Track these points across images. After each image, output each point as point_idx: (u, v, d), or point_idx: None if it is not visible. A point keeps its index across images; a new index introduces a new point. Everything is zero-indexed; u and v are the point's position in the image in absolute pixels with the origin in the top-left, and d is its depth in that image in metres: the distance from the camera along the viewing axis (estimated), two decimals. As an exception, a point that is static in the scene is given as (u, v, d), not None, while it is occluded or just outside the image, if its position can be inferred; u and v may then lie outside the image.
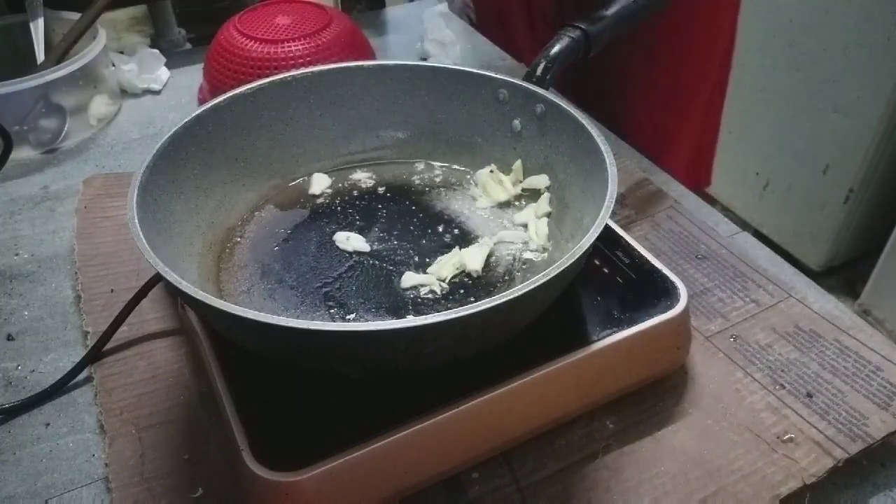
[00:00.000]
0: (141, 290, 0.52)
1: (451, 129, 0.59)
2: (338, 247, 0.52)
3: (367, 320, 0.46)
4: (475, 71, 0.56)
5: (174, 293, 0.54)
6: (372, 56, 0.80)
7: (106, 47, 0.79)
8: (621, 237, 0.53)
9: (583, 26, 0.55)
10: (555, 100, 0.52)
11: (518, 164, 0.56)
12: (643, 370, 0.48)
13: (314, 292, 0.48)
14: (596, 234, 0.39)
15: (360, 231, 0.53)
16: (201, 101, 0.82)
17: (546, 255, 0.51)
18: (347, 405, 0.42)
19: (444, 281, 0.49)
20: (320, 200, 0.57)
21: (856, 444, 0.45)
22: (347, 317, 0.46)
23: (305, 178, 0.58)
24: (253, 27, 0.75)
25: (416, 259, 0.51)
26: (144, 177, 0.44)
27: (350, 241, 0.52)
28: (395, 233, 0.53)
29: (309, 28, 0.75)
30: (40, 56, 0.78)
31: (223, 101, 0.53)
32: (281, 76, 0.55)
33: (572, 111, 0.50)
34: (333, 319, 0.46)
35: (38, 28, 0.79)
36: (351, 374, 0.42)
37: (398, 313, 0.46)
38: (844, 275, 1.68)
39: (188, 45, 1.06)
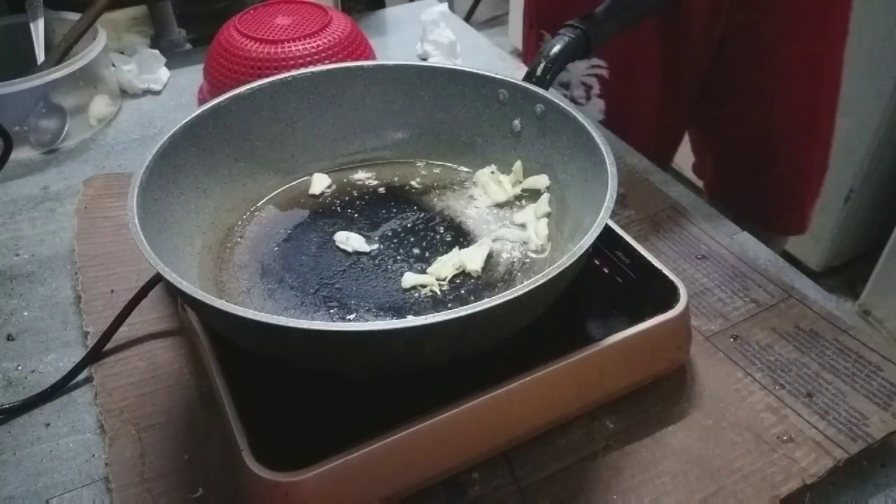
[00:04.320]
0: (141, 290, 0.52)
1: (451, 129, 0.59)
2: (338, 247, 0.52)
3: (367, 320, 0.46)
4: (475, 71, 0.56)
5: (174, 293, 0.54)
6: (372, 56, 0.80)
7: (106, 47, 0.79)
8: (621, 237, 0.53)
9: (582, 26, 0.55)
10: (555, 100, 0.52)
11: (518, 164, 0.56)
12: (643, 370, 0.48)
13: (314, 292, 0.48)
14: (596, 235, 0.39)
15: (360, 231, 0.53)
16: (201, 101, 0.82)
17: (546, 255, 0.51)
18: (347, 405, 0.42)
19: (444, 281, 0.49)
20: (320, 200, 0.57)
21: (856, 444, 0.45)
22: (347, 317, 0.46)
23: (305, 178, 0.58)
24: (253, 27, 0.75)
25: (416, 259, 0.51)
26: (144, 177, 0.44)
27: (350, 241, 0.52)
28: (394, 233, 0.53)
29: (309, 28, 0.75)
30: (40, 56, 0.78)
31: (223, 101, 0.53)
32: (281, 76, 0.55)
33: (572, 111, 0.50)
34: (333, 319, 0.46)
35: (38, 28, 0.79)
36: (351, 374, 0.42)
37: (398, 313, 0.46)
38: (844, 275, 1.68)
39: (188, 46, 1.06)
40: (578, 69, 0.88)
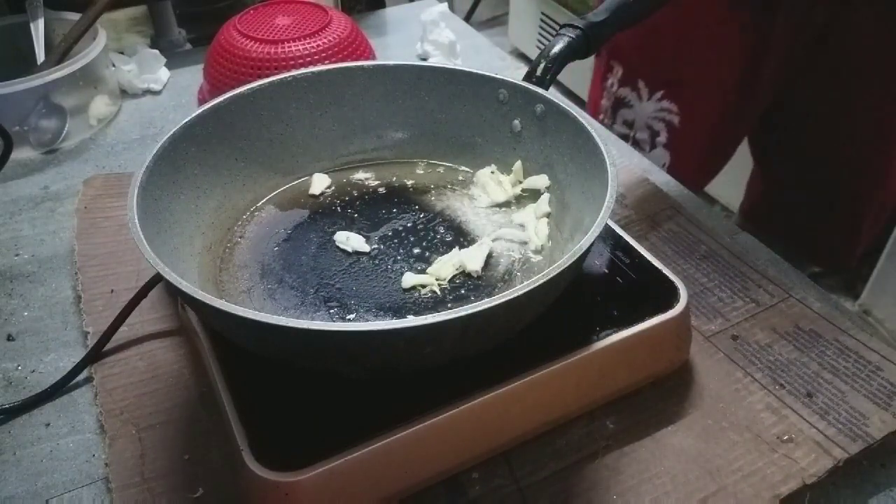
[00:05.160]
0: (141, 290, 0.52)
1: (451, 130, 0.59)
2: (338, 247, 0.52)
3: (367, 320, 0.46)
4: (475, 71, 0.56)
5: (174, 293, 0.54)
6: (372, 56, 0.80)
7: (106, 48, 0.79)
8: (621, 237, 0.53)
9: (581, 26, 0.55)
10: (555, 100, 0.52)
11: (518, 164, 0.56)
12: (643, 370, 0.48)
13: (314, 292, 0.48)
14: (595, 235, 0.39)
15: (360, 231, 0.53)
16: (201, 101, 0.82)
17: (546, 255, 0.51)
18: (347, 405, 0.42)
19: (443, 281, 0.49)
20: (320, 200, 0.57)
21: (856, 444, 0.45)
22: (347, 317, 0.46)
23: (305, 178, 0.58)
24: (253, 27, 0.75)
25: (416, 259, 0.51)
26: (144, 177, 0.44)
27: (350, 241, 0.52)
28: (394, 233, 0.53)
29: (309, 28, 0.75)
30: (41, 56, 0.78)
31: (223, 101, 0.53)
32: (281, 76, 0.55)
33: (572, 111, 0.50)
34: (333, 319, 0.46)
35: (38, 28, 0.79)
36: (351, 374, 0.42)
37: (398, 313, 0.46)
38: (844, 275, 1.68)
39: (188, 46, 1.06)
40: (646, 109, 0.84)
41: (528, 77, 0.54)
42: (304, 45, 0.73)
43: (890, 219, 0.97)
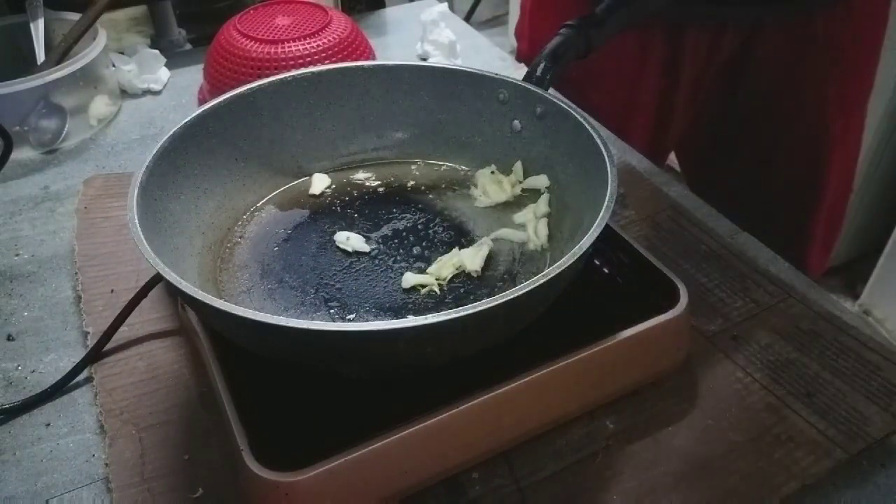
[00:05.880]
0: (141, 290, 0.52)
1: (451, 129, 0.59)
2: (338, 247, 0.52)
3: (367, 320, 0.46)
4: (475, 71, 0.56)
5: (174, 293, 0.54)
6: (372, 56, 0.80)
7: (106, 48, 0.79)
8: (621, 237, 0.53)
9: (581, 26, 0.55)
10: (555, 100, 0.52)
11: (518, 165, 0.56)
12: (643, 370, 0.48)
13: (314, 292, 0.48)
14: (596, 235, 0.39)
15: (360, 231, 0.53)
16: (201, 101, 0.82)
17: (546, 255, 0.51)
18: (347, 405, 0.42)
19: (443, 281, 0.49)
20: (320, 200, 0.57)
21: (856, 444, 0.45)
22: (347, 317, 0.46)
23: (305, 178, 0.58)
24: (253, 27, 0.75)
25: (416, 259, 0.51)
26: (144, 177, 0.44)
27: (350, 241, 0.52)
28: (395, 233, 0.53)
29: (309, 28, 0.75)
30: (41, 56, 0.78)
31: (223, 101, 0.53)
32: (281, 76, 0.55)
33: (572, 111, 0.50)
34: (333, 319, 0.46)
35: (38, 28, 0.79)
36: (351, 374, 0.42)
37: (398, 313, 0.46)
38: (844, 275, 1.68)
39: (188, 46, 1.06)
40: None
41: (528, 77, 0.54)
42: (304, 45, 0.73)
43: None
